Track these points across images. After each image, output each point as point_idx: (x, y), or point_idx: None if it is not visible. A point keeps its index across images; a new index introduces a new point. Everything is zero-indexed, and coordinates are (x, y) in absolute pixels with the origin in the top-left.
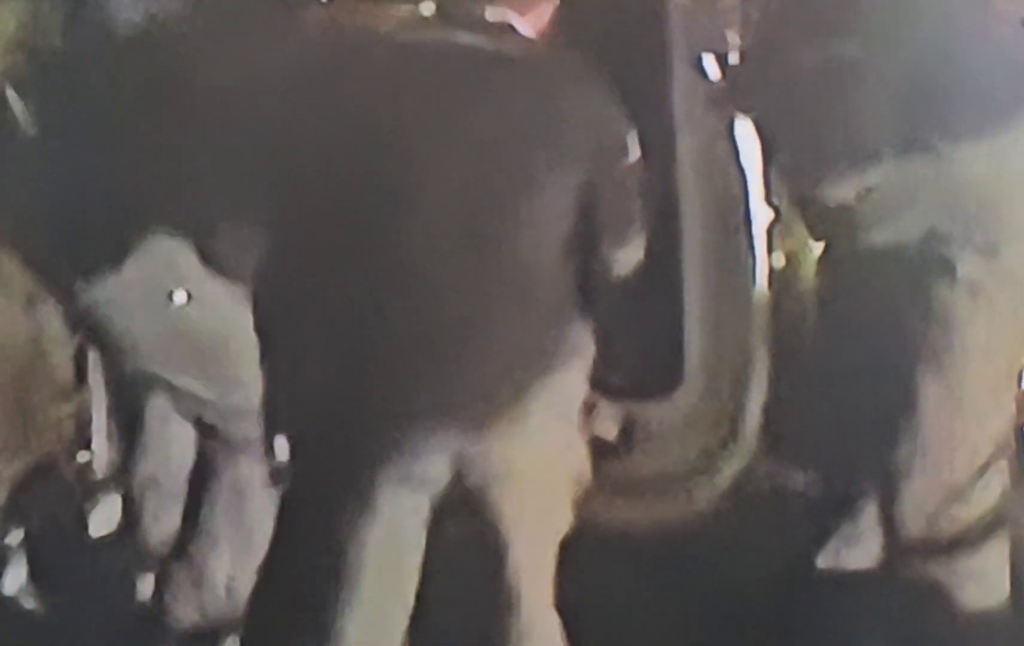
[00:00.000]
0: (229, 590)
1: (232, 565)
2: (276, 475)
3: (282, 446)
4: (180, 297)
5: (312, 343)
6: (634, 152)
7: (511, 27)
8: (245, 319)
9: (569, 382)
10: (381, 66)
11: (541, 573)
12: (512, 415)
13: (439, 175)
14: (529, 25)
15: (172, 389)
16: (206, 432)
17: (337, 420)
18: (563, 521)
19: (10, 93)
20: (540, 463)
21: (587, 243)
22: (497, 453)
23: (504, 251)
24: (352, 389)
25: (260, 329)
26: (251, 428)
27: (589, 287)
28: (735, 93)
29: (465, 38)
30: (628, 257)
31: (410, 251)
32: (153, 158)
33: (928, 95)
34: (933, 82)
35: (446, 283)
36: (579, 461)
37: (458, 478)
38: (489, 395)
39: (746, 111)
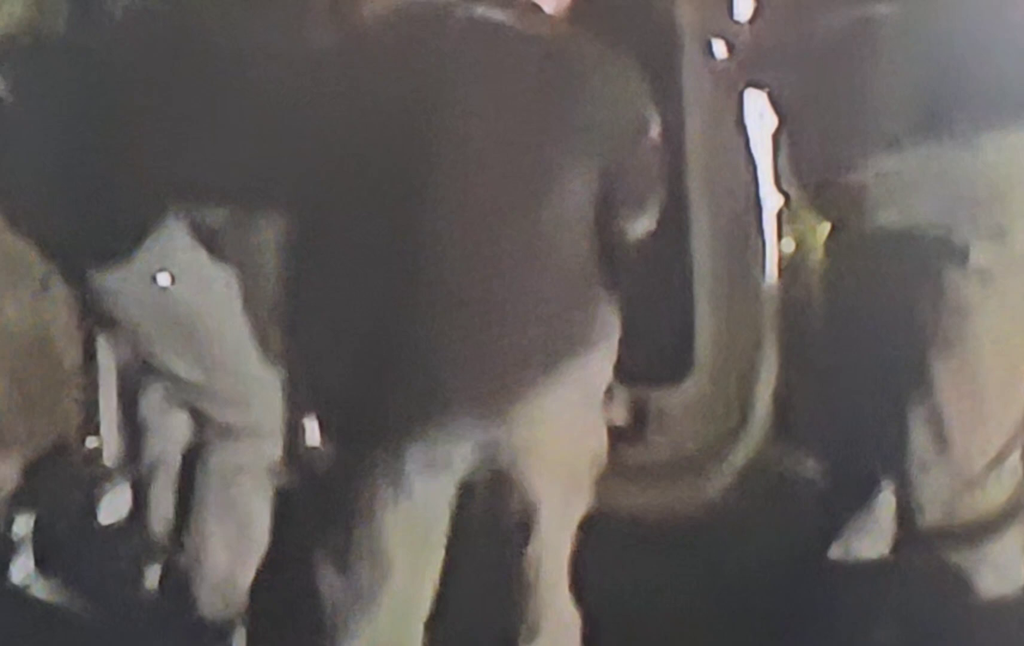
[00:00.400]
0: (228, 579)
1: (228, 554)
2: (306, 459)
3: (313, 429)
4: (164, 279)
5: (338, 324)
6: (655, 129)
7: (533, 4)
8: (233, 304)
9: (596, 365)
10: (404, 39)
11: (560, 554)
12: (539, 397)
13: (464, 153)
14: (549, 2)
15: (168, 375)
16: (197, 419)
17: (365, 404)
18: (583, 503)
19: None
20: (566, 445)
21: (607, 222)
22: (524, 435)
23: (530, 230)
24: (379, 372)
25: (284, 311)
26: (238, 415)
27: (612, 268)
28: (748, 63)
29: (490, 14)
30: (643, 226)
31: (435, 231)
32: (165, 140)
33: (955, 74)
34: (962, 62)
35: (472, 263)
36: (600, 444)
37: (485, 460)
38: (517, 378)
39: (759, 85)
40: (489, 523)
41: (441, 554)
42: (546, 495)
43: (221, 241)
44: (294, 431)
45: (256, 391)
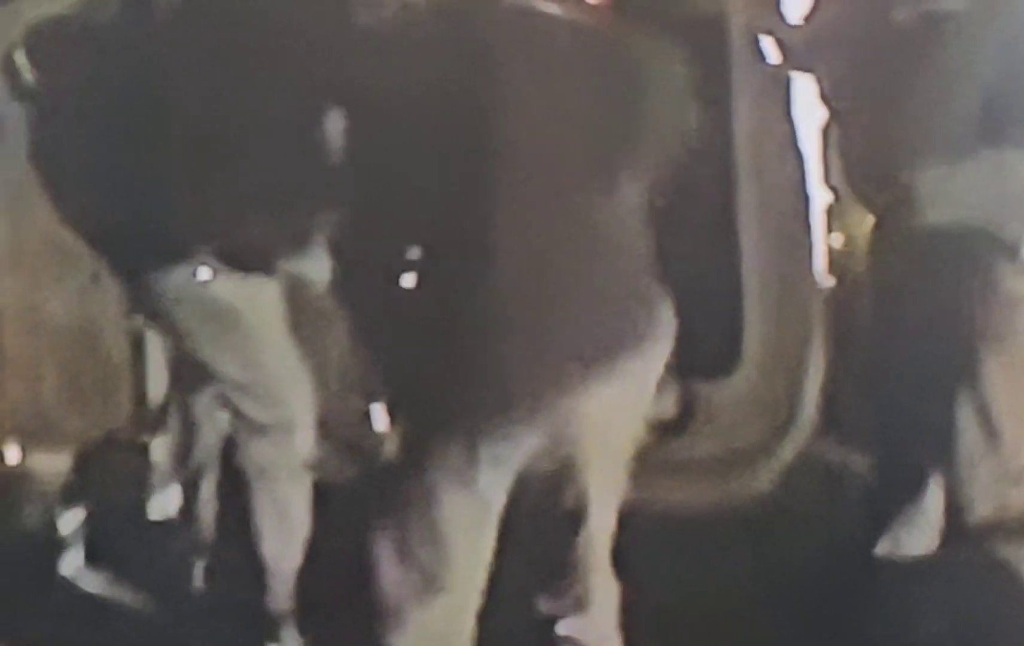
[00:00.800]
0: (274, 572)
1: (271, 547)
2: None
3: (380, 416)
4: (204, 273)
5: (404, 315)
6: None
7: None
8: (273, 299)
9: (652, 361)
10: (456, 32)
11: (607, 533)
12: (600, 392)
13: (523, 148)
14: None
15: (208, 370)
16: (234, 415)
17: (434, 394)
18: (624, 484)
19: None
20: (619, 437)
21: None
22: (583, 428)
23: (590, 226)
24: (448, 364)
25: (352, 301)
26: (272, 412)
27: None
28: (799, 55)
29: (542, 5)
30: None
31: (498, 226)
32: (215, 135)
33: (1016, 75)
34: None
35: (536, 258)
36: (643, 432)
37: (546, 451)
38: (581, 373)
39: (809, 70)
40: (539, 507)
41: (494, 539)
42: (598, 482)
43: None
44: (361, 418)
45: (291, 388)
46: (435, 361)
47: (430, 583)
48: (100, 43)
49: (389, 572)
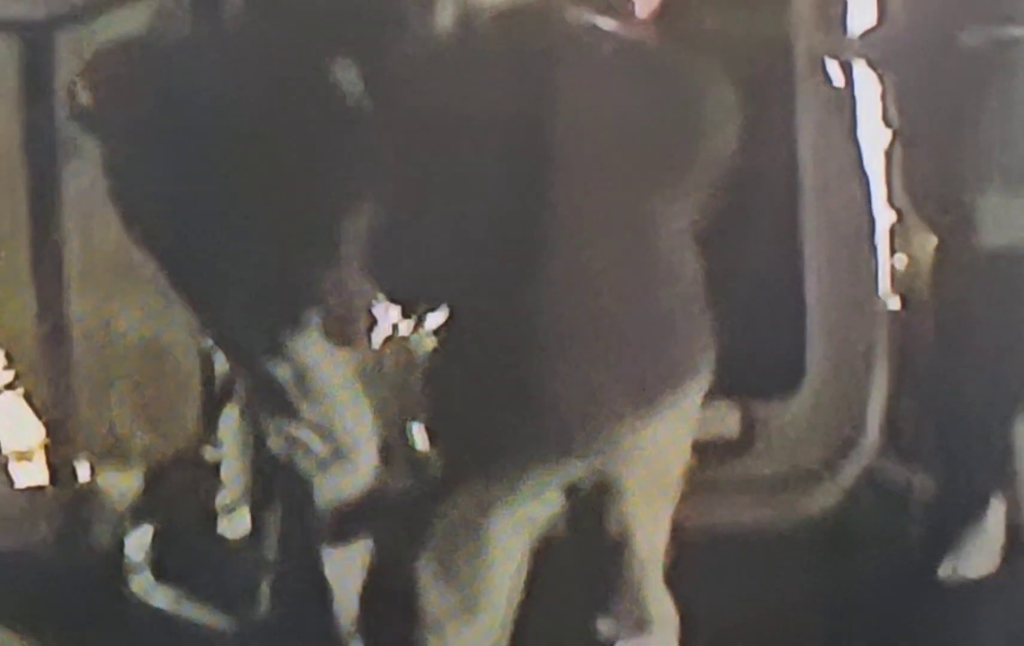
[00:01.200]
0: (338, 596)
1: (335, 571)
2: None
3: (422, 435)
4: None
5: (454, 337)
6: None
7: (631, 10)
8: None
9: (697, 391)
10: (516, 46)
11: (658, 562)
12: (648, 422)
13: (577, 170)
14: (641, 6)
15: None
16: (301, 443)
17: (480, 418)
18: (674, 503)
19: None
20: (666, 464)
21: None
22: (630, 456)
23: (646, 251)
24: (495, 388)
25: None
26: (339, 443)
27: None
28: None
29: (598, 20)
30: None
31: (549, 248)
32: (283, 157)
33: None
34: None
35: (588, 285)
36: (688, 462)
37: (591, 476)
38: (631, 403)
39: (878, 67)
40: (584, 529)
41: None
42: (642, 506)
43: None
44: (401, 435)
45: (356, 418)
46: (483, 382)
47: (470, 604)
48: (168, 64)
49: (431, 591)
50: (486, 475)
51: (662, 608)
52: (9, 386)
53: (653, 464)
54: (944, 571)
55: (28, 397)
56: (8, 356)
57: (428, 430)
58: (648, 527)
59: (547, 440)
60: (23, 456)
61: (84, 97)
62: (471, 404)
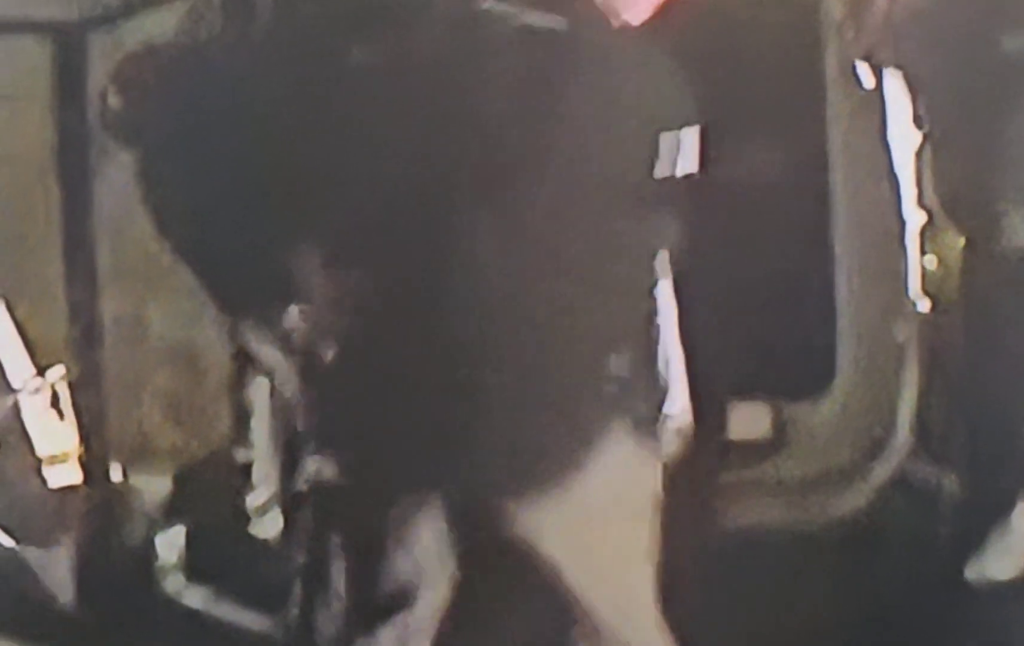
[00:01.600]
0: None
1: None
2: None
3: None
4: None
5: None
6: None
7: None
8: None
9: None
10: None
11: (636, 589)
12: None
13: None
14: (633, 13)
15: None
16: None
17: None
18: (646, 536)
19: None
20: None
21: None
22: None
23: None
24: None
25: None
26: None
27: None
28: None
29: (540, 21)
30: None
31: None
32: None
33: None
34: None
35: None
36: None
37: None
38: (552, 456)
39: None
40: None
41: None
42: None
43: None
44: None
45: None
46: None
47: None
48: (199, 67)
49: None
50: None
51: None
52: (43, 389)
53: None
54: (971, 573)
55: (61, 400)
56: (41, 359)
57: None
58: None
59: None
60: (57, 459)
61: (115, 101)
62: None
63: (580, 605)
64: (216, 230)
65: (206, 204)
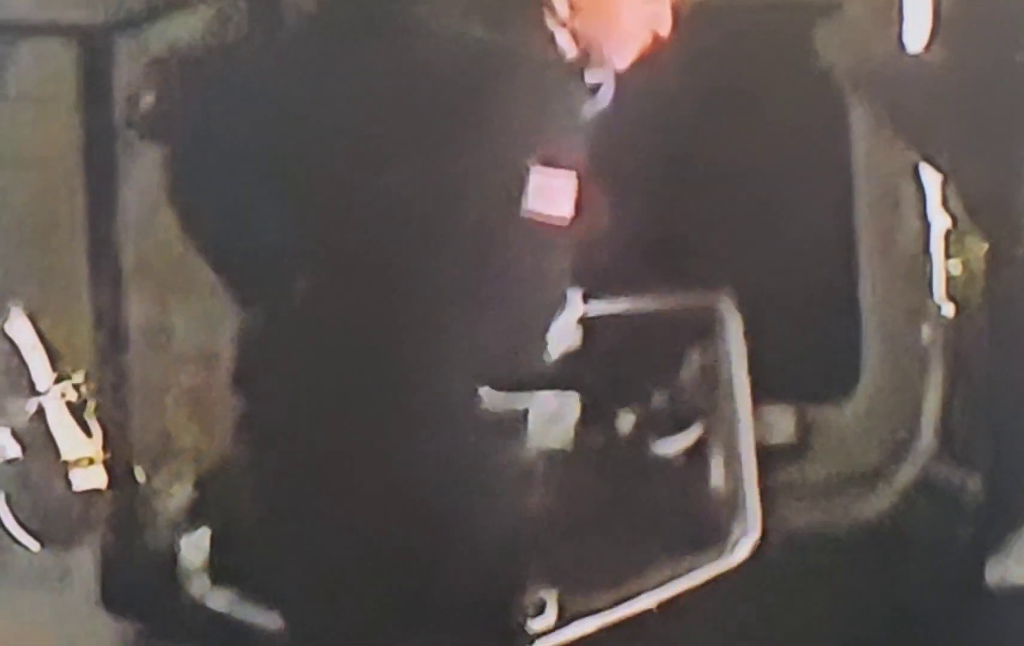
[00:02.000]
0: None
1: None
2: None
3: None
4: None
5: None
6: None
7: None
8: None
9: None
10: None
11: None
12: None
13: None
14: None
15: None
16: None
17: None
18: None
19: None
20: None
21: None
22: None
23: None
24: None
25: None
26: None
27: None
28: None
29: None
30: None
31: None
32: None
33: None
34: None
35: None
36: None
37: None
38: None
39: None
40: None
41: None
42: None
43: None
44: None
45: None
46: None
47: None
48: (226, 68)
49: None
50: None
51: None
52: (67, 392)
53: None
54: (991, 576)
55: (86, 403)
56: (66, 362)
57: None
58: None
59: None
60: (82, 462)
61: (143, 103)
62: None
63: None
64: (242, 229)
65: (232, 204)
